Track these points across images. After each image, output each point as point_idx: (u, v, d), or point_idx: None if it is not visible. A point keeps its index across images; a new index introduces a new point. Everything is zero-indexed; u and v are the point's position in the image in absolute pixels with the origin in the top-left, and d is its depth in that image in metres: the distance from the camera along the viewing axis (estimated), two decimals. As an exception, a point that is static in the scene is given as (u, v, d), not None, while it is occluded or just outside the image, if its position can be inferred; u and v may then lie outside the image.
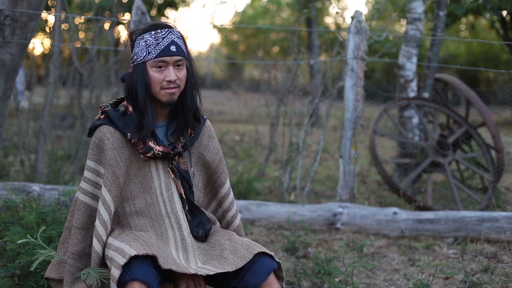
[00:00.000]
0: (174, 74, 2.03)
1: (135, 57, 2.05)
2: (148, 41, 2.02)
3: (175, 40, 2.04)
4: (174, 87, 2.04)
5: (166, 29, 2.04)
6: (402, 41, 5.45)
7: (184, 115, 2.11)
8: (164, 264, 1.90)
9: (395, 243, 3.88)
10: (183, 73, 2.07)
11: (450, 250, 3.74)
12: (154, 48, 2.01)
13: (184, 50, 2.07)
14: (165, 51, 2.02)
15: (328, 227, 4.10)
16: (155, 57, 2.01)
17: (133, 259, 1.87)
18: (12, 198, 3.11)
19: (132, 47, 2.08)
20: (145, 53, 2.02)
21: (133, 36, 2.09)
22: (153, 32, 2.03)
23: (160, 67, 2.02)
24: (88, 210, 2.10)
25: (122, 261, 1.85)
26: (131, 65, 2.08)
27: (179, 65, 2.05)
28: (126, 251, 1.88)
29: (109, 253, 1.95)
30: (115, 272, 1.85)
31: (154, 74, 2.03)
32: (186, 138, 2.14)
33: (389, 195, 5.18)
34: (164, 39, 2.03)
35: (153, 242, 2.00)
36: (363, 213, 4.08)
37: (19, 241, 2.25)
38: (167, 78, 2.02)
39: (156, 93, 2.04)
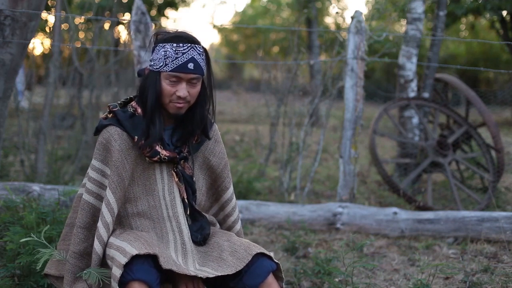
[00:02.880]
0: (186, 91, 2.01)
1: (152, 63, 2.04)
2: (167, 52, 2.00)
3: (195, 57, 2.01)
4: (183, 103, 2.03)
5: (189, 45, 2.01)
6: (402, 41, 5.45)
7: (192, 126, 2.11)
8: (165, 264, 1.90)
9: (395, 243, 3.88)
10: (196, 90, 2.05)
11: (450, 250, 3.74)
12: (172, 61, 1.99)
13: (203, 67, 2.05)
14: (182, 68, 1.99)
15: (328, 227, 4.10)
16: (170, 71, 2.00)
17: (134, 259, 1.86)
18: (12, 198, 3.11)
19: (152, 51, 2.07)
20: (161, 64, 2.00)
21: (157, 38, 2.06)
22: (174, 45, 2.00)
23: (173, 81, 2.01)
24: (91, 210, 2.10)
25: (123, 260, 1.85)
26: (148, 67, 2.07)
27: (193, 82, 2.03)
28: (128, 250, 1.88)
29: (111, 252, 1.95)
30: (116, 272, 1.85)
31: (166, 86, 2.01)
32: (191, 144, 2.14)
33: (389, 195, 5.18)
34: (184, 55, 1.99)
35: (154, 242, 2.00)
36: (363, 213, 4.08)
37: (22, 240, 2.23)
38: (177, 93, 2.01)
39: (165, 104, 2.04)
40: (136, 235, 1.99)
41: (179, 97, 2.01)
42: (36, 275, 2.64)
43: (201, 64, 2.03)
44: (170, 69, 1.99)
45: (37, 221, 2.80)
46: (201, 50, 2.04)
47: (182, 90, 2.01)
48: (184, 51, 1.99)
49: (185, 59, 1.99)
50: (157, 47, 2.03)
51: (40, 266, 2.09)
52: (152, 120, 2.03)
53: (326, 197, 5.18)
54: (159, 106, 2.04)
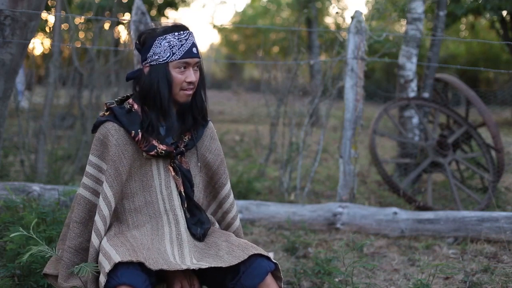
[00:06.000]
0: (194, 76, 2.06)
1: (156, 57, 2.06)
2: (171, 42, 2.04)
3: (194, 42, 2.09)
4: (192, 89, 2.08)
5: (187, 31, 2.08)
6: (402, 41, 5.45)
7: (193, 115, 2.14)
8: (154, 265, 1.90)
9: (395, 243, 3.88)
10: (198, 74, 2.11)
11: (450, 250, 3.74)
12: (179, 49, 2.04)
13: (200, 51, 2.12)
14: (189, 53, 2.05)
15: (328, 227, 4.10)
16: (179, 58, 2.04)
17: (119, 264, 1.88)
18: (12, 198, 3.11)
19: (149, 47, 2.07)
20: (168, 54, 2.04)
21: (149, 36, 2.08)
22: (176, 34, 2.06)
23: (182, 68, 2.05)
24: (88, 205, 2.12)
25: (107, 268, 1.87)
26: (146, 65, 2.08)
27: (197, 67, 2.09)
28: (112, 256, 1.90)
29: (100, 257, 1.97)
30: (102, 279, 1.88)
31: (177, 75, 2.05)
32: (194, 136, 2.16)
33: (389, 195, 5.18)
34: (187, 41, 2.06)
35: (144, 243, 2.00)
36: (363, 213, 4.08)
37: (13, 235, 2.25)
38: (188, 79, 2.06)
39: (176, 94, 2.07)
40: (125, 238, 2.00)
41: (189, 83, 2.06)
42: (36, 275, 2.64)
43: (199, 48, 2.10)
44: (179, 56, 2.04)
45: (37, 221, 2.80)
46: (195, 36, 2.12)
47: (191, 75, 2.06)
48: (186, 38, 2.06)
49: (189, 45, 2.06)
50: (156, 41, 2.05)
51: (25, 259, 2.09)
52: (168, 112, 2.05)
53: (326, 197, 5.18)
54: (171, 98, 2.07)
